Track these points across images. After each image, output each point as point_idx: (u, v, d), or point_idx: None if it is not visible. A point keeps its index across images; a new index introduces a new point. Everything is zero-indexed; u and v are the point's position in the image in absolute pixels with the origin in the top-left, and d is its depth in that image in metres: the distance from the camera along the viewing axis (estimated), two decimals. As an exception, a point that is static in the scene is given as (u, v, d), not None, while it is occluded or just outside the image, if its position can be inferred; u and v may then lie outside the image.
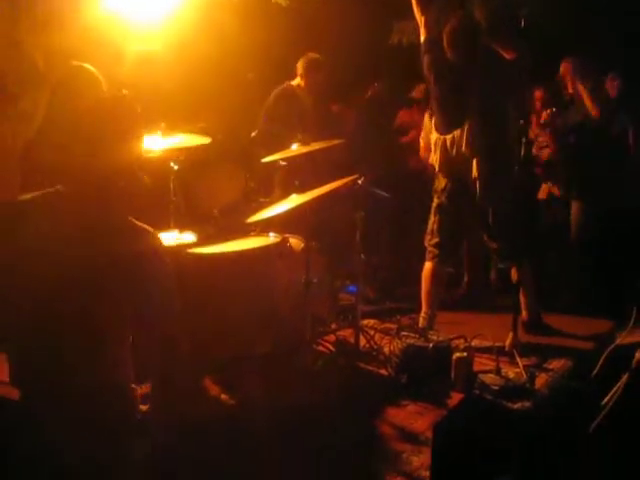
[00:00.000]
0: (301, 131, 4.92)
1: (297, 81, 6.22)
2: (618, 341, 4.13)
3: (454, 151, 4.94)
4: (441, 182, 5.11)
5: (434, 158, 5.12)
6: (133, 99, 2.73)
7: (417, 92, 6.87)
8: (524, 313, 5.31)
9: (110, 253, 2.43)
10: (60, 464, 2.35)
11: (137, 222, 2.58)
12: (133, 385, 2.69)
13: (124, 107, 2.69)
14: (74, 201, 2.51)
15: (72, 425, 2.37)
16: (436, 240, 5.14)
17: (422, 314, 5.17)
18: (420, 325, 5.08)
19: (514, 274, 5.00)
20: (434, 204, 5.19)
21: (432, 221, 5.21)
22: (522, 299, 5.23)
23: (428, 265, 5.21)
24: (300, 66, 6.20)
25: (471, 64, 4.92)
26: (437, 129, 5.11)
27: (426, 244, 5.22)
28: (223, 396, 4.20)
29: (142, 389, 3.76)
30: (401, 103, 6.89)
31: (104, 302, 2.46)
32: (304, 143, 4.47)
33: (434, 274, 5.18)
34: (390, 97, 6.81)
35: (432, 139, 5.19)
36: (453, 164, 4.98)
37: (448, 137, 4.97)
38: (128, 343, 2.62)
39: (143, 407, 2.72)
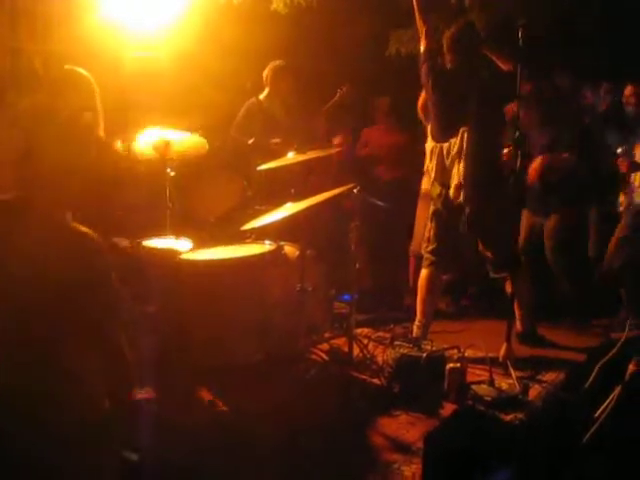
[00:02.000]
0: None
1: (266, 91, 6.26)
2: (612, 353, 4.16)
3: (450, 159, 4.96)
4: (436, 189, 5.12)
5: (430, 166, 5.13)
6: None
7: (382, 105, 6.93)
8: (518, 324, 5.30)
9: (53, 262, 2.38)
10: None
11: (78, 226, 2.51)
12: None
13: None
14: (26, 208, 2.47)
15: (39, 435, 2.33)
16: (432, 247, 5.16)
17: (416, 322, 5.18)
18: (414, 334, 5.09)
19: (508, 285, 5.01)
20: (430, 211, 5.22)
21: (428, 227, 5.23)
22: (517, 310, 5.24)
23: (424, 272, 5.23)
24: (266, 74, 6.25)
25: (469, 71, 4.94)
26: (433, 136, 5.13)
27: (423, 251, 5.24)
28: (216, 404, 4.19)
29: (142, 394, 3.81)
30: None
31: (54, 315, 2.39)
32: (300, 151, 4.48)
33: (429, 282, 5.19)
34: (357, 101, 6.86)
35: (427, 147, 5.21)
36: (449, 172, 5.00)
37: (445, 145, 4.99)
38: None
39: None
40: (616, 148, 5.58)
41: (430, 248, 5.17)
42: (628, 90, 5.81)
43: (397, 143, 6.84)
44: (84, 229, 2.49)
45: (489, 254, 5.12)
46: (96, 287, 2.43)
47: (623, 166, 5.55)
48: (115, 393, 2.54)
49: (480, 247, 5.16)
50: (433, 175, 5.11)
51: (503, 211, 4.96)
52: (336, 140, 6.74)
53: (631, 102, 5.78)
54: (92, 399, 2.48)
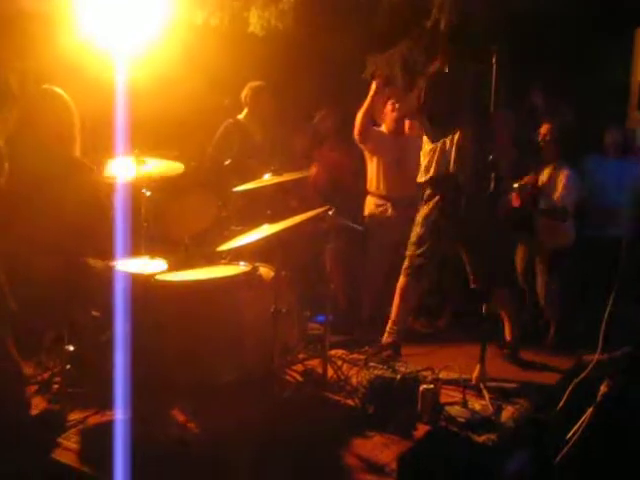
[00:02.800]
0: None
1: (244, 112, 6.32)
2: (584, 374, 4.19)
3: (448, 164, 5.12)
4: (432, 194, 5.22)
5: (431, 170, 5.20)
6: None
7: (323, 120, 6.90)
8: (508, 334, 5.43)
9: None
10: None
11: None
12: None
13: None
14: None
15: None
16: (417, 251, 5.24)
17: (387, 328, 5.24)
18: (383, 340, 5.16)
19: (485, 308, 5.02)
20: (421, 215, 5.28)
21: (415, 232, 5.30)
22: (506, 327, 5.35)
23: (402, 280, 5.32)
24: (245, 95, 6.31)
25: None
26: (430, 138, 5.24)
27: (407, 254, 5.32)
28: (189, 425, 4.18)
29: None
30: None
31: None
32: (277, 173, 4.50)
33: (405, 290, 5.29)
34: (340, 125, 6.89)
35: (426, 150, 5.27)
36: (446, 177, 5.11)
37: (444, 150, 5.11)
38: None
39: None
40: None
41: (415, 252, 5.24)
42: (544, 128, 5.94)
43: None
44: None
45: (480, 265, 5.16)
46: None
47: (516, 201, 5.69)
48: None
49: (470, 259, 5.22)
50: (431, 175, 5.20)
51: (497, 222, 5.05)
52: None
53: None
54: None
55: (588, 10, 6.26)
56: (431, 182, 5.22)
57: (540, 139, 5.88)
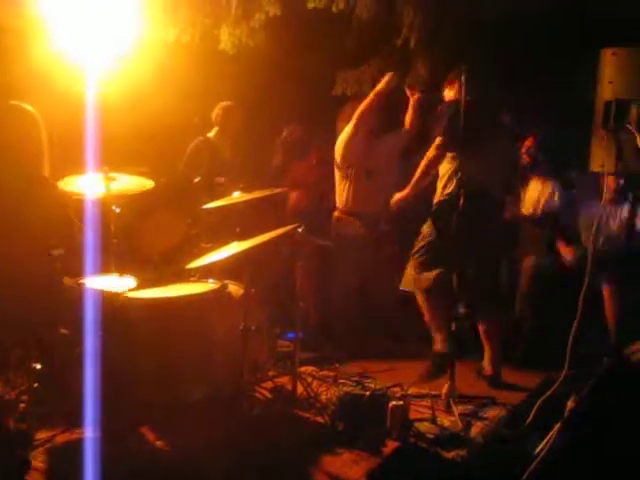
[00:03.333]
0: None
1: (215, 130, 6.39)
2: (551, 390, 4.23)
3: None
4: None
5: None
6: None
7: (290, 135, 6.92)
8: (487, 366, 5.33)
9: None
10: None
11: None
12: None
13: None
14: None
15: None
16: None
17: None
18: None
19: (454, 325, 5.04)
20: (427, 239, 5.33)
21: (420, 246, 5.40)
22: (487, 351, 5.30)
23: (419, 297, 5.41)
24: (216, 114, 6.39)
25: None
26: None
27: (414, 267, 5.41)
28: (158, 443, 4.17)
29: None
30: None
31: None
32: (246, 191, 4.52)
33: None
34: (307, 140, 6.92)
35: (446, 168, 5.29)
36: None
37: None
38: None
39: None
40: None
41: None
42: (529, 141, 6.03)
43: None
44: None
45: (473, 284, 5.16)
46: None
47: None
48: None
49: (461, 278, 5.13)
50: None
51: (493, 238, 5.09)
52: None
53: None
54: None
55: (559, 27, 6.36)
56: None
57: (524, 151, 5.96)
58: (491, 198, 5.16)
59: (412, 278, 5.43)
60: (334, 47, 6.95)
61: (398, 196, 5.46)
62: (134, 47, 6.08)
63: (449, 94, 5.29)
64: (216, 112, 6.39)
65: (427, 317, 5.44)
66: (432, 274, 5.29)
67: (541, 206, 5.86)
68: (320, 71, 7.07)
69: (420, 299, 5.42)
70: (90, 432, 4.01)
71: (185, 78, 6.50)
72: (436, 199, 5.34)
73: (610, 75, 4.13)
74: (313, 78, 7.15)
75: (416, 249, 5.41)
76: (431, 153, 5.23)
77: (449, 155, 5.26)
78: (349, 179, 6.04)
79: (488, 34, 6.28)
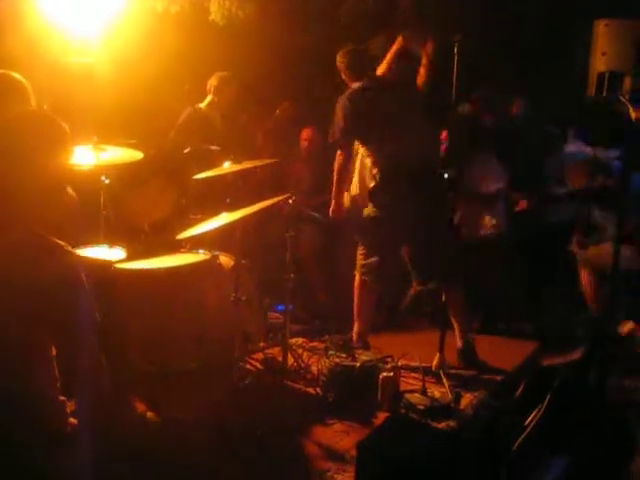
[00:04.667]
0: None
1: (208, 100, 6.34)
2: (542, 362, 4.25)
3: None
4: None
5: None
6: (55, 116, 2.70)
7: (284, 112, 6.94)
8: (458, 341, 5.23)
9: (21, 274, 2.39)
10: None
11: (49, 239, 2.52)
12: (62, 397, 2.66)
13: (43, 124, 2.66)
14: None
15: None
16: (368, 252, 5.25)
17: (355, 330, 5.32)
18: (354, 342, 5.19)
19: (444, 296, 5.02)
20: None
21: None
22: (455, 325, 5.21)
23: (358, 279, 5.32)
24: (211, 83, 6.33)
25: None
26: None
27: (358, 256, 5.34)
28: (149, 413, 4.16)
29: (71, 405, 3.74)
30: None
31: (19, 322, 2.41)
32: (236, 161, 4.48)
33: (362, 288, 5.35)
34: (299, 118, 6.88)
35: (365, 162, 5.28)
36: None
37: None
38: (49, 357, 2.58)
39: (73, 420, 2.69)
40: None
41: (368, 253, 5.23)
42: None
43: None
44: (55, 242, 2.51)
45: (421, 261, 5.12)
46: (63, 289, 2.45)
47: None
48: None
49: (411, 254, 5.14)
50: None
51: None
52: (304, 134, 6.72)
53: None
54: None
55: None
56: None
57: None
58: (415, 173, 5.00)
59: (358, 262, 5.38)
60: (328, 21, 6.88)
61: (332, 211, 5.38)
62: (123, 17, 6.01)
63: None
64: (211, 82, 6.32)
65: (356, 304, 5.36)
66: (372, 259, 5.22)
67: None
68: (312, 44, 7.01)
69: (357, 281, 5.32)
70: (78, 402, 3.99)
71: (174, 48, 6.42)
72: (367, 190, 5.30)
73: (603, 46, 4.12)
74: (305, 51, 7.09)
75: (360, 235, 5.35)
76: (338, 159, 5.19)
77: (361, 152, 5.34)
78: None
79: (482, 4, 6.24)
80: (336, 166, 5.18)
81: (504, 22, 6.42)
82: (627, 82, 4.06)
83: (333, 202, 5.29)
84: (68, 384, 2.68)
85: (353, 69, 5.21)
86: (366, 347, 5.18)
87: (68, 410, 2.69)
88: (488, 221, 5.92)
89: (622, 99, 4.01)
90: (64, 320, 2.50)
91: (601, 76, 4.12)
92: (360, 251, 5.28)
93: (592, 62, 4.18)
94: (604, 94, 4.11)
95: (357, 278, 5.29)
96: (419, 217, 4.90)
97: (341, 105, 5.07)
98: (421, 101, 5.17)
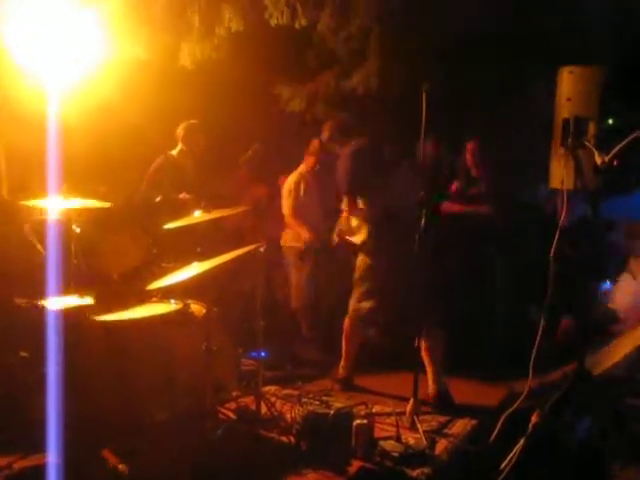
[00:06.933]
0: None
1: (178, 148, 6.41)
2: (515, 405, 4.26)
3: None
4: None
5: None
6: None
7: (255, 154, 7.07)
8: (431, 386, 5.24)
9: None
10: None
11: None
12: None
13: None
14: None
15: None
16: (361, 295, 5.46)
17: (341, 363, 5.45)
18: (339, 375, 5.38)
19: (418, 340, 5.00)
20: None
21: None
22: (429, 369, 5.24)
23: (347, 322, 5.56)
24: (179, 133, 6.43)
25: None
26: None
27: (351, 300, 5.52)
28: (121, 466, 4.11)
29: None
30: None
31: None
32: (207, 210, 4.49)
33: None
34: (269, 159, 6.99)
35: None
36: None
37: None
38: None
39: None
40: None
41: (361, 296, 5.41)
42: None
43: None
44: None
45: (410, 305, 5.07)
46: None
47: None
48: None
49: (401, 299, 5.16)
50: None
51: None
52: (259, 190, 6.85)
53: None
54: None
55: (517, 46, 6.43)
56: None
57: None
58: (404, 221, 5.11)
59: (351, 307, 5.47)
60: (294, 63, 6.97)
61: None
62: (94, 65, 6.02)
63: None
64: (179, 131, 6.41)
65: (344, 345, 5.56)
66: (368, 304, 5.36)
67: None
68: (281, 89, 7.10)
69: (347, 324, 5.50)
70: (51, 457, 3.94)
71: (146, 96, 6.45)
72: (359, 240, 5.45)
73: (567, 93, 4.18)
74: (264, 94, 7.20)
75: (355, 279, 5.46)
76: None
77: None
78: None
79: (447, 51, 6.31)
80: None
81: (469, 68, 6.50)
82: (591, 128, 4.12)
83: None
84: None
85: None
86: (350, 383, 5.42)
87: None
88: None
89: (588, 144, 4.07)
90: None
91: (566, 122, 4.18)
92: (355, 295, 5.41)
93: (557, 108, 4.25)
94: (569, 140, 4.17)
95: (347, 321, 5.47)
96: (406, 262, 4.93)
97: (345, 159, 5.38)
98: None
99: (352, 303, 5.44)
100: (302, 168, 6.55)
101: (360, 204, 5.40)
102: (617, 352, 5.35)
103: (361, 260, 5.39)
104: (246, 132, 7.25)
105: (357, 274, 5.44)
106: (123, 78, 6.33)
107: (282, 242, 6.56)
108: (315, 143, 6.45)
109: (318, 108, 6.96)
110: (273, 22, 6.24)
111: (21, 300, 4.35)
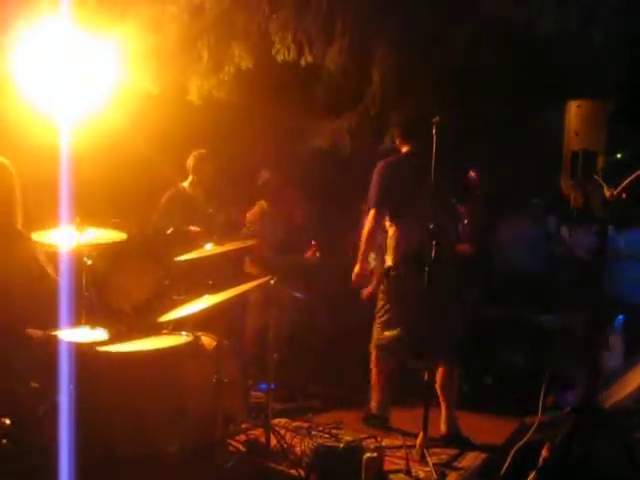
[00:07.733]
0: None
1: (189, 180, 6.43)
2: (525, 438, 4.24)
3: None
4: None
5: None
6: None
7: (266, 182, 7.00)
8: (443, 426, 5.26)
9: None
10: None
11: None
12: None
13: None
14: None
15: None
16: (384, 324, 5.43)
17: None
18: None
19: (428, 374, 4.98)
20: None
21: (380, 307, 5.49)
22: (443, 408, 5.26)
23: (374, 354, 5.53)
24: (189, 163, 6.45)
25: None
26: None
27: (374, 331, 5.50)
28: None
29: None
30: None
31: None
32: (218, 243, 4.52)
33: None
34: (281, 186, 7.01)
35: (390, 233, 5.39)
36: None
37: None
38: None
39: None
40: None
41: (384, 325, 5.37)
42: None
43: None
44: None
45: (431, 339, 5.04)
46: None
47: None
48: None
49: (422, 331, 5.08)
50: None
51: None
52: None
53: None
54: None
55: (525, 80, 6.48)
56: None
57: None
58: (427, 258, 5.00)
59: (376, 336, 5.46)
60: (304, 99, 7.03)
61: (354, 274, 5.50)
62: (106, 98, 6.10)
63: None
64: (189, 162, 6.43)
65: (373, 376, 5.50)
66: (392, 333, 5.34)
67: None
68: (288, 122, 7.16)
69: (374, 356, 5.48)
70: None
71: (157, 128, 6.53)
72: (385, 264, 5.45)
73: (576, 126, 4.23)
74: (284, 130, 7.23)
75: (378, 308, 5.46)
76: (368, 225, 5.37)
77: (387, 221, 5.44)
78: None
79: (456, 85, 6.37)
80: (368, 228, 5.37)
81: (479, 101, 6.55)
82: (600, 161, 4.16)
83: (359, 266, 5.41)
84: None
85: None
86: (385, 418, 5.38)
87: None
88: None
89: (597, 178, 4.10)
90: None
91: (575, 155, 4.22)
92: (376, 325, 5.42)
93: (565, 141, 4.29)
94: (578, 173, 4.20)
95: (374, 353, 5.44)
96: (431, 295, 4.89)
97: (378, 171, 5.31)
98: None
99: (375, 333, 5.43)
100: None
101: (387, 224, 5.41)
102: (630, 384, 5.33)
103: (385, 287, 5.38)
104: (254, 163, 7.29)
105: (380, 303, 5.43)
106: (133, 109, 6.41)
107: None
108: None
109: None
110: (280, 58, 6.32)
111: (33, 331, 4.36)
